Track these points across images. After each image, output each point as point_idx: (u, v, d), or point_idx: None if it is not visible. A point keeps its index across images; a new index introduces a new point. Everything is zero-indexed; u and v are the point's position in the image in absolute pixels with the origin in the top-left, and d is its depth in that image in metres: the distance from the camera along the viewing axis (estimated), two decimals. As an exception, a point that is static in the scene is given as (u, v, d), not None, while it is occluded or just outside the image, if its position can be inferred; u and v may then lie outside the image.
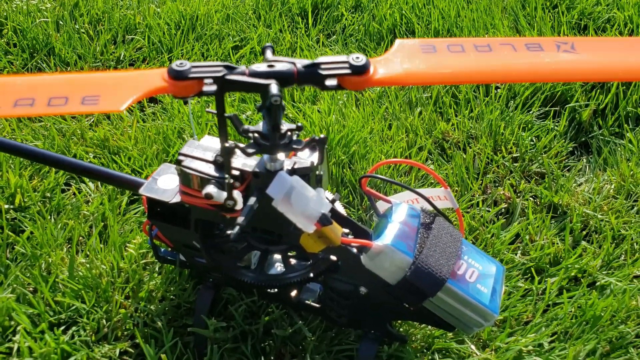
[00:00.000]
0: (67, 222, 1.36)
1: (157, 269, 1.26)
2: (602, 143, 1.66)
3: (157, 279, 1.24)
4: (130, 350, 1.16)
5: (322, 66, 0.90)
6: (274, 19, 2.02)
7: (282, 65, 0.91)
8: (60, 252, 1.29)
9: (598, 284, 1.30)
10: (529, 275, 1.32)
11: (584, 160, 1.64)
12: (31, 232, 1.32)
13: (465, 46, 1.00)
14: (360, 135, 1.54)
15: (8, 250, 1.32)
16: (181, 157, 1.05)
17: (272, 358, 1.15)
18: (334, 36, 2.02)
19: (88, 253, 1.29)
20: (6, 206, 1.39)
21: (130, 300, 1.21)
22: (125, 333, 1.18)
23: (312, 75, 0.91)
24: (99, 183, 1.45)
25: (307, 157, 1.05)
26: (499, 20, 2.03)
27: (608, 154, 1.62)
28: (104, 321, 1.17)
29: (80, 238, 1.35)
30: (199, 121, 1.59)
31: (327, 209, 0.96)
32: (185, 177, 1.04)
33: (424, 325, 1.18)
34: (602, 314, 1.21)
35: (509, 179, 1.53)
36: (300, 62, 0.91)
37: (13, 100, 0.88)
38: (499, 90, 1.74)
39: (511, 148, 1.60)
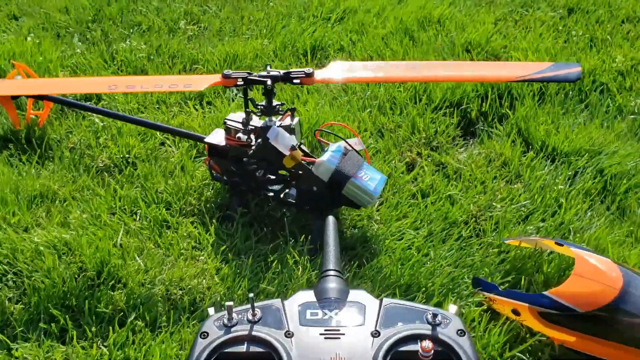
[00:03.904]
0: (161, 163, 2.46)
1: (211, 186, 2.33)
2: (482, 132, 2.69)
3: (211, 191, 2.31)
4: (195, 220, 2.23)
5: (292, 74, 2.02)
6: (286, 57, 3.15)
7: (274, 72, 2.03)
8: (160, 178, 2.38)
9: (453, 194, 2.32)
10: (416, 197, 2.34)
11: (471, 141, 2.66)
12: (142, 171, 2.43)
13: (375, 66, 2.09)
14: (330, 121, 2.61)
15: (127, 180, 2.41)
16: (226, 120, 2.15)
17: (270, 228, 2.20)
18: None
19: (175, 178, 2.38)
20: (127, 155, 2.50)
21: (196, 200, 2.29)
22: (195, 211, 2.25)
23: (287, 77, 2.02)
24: (179, 143, 2.55)
25: (288, 120, 2.14)
26: (433, 57, 3.10)
27: (485, 138, 2.65)
28: (187, 207, 2.25)
29: (169, 173, 2.44)
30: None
31: (295, 143, 2.05)
32: (228, 130, 2.14)
33: (352, 211, 2.21)
34: (450, 214, 2.22)
35: (417, 149, 2.57)
36: (282, 71, 2.03)
37: (153, 84, 2.01)
38: (422, 99, 2.79)
39: (422, 132, 2.64)
